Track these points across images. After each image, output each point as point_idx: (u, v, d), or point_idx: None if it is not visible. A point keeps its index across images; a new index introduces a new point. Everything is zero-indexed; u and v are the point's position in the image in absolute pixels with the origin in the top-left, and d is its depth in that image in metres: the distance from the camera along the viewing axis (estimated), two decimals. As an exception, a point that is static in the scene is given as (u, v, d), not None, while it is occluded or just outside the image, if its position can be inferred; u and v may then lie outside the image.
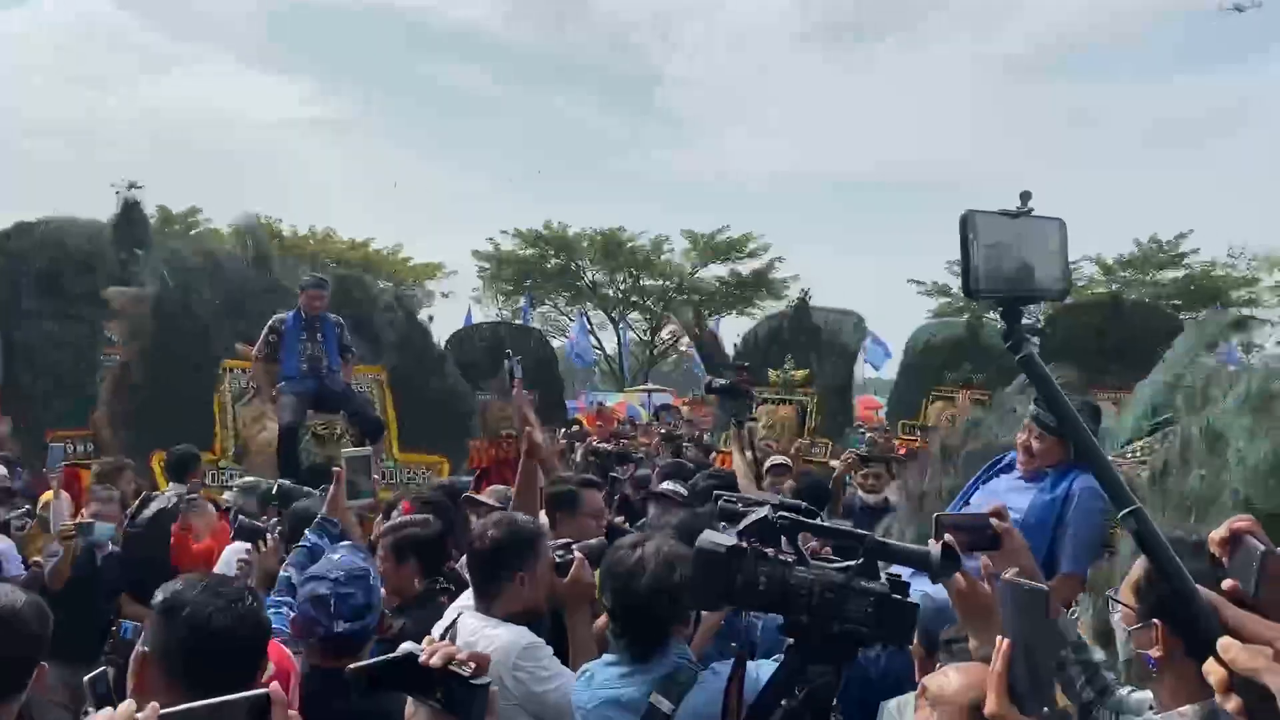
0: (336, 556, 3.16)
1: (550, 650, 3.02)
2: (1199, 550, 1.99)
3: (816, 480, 6.28)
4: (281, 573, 3.58)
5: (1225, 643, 1.16)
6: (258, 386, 8.33)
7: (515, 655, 2.92)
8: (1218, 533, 1.85)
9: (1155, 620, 2.04)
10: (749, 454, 5.80)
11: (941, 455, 5.64)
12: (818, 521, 1.87)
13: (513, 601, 3.15)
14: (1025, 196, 1.52)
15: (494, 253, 37.72)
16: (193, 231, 29.60)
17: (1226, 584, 1.82)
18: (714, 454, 10.76)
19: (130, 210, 11.75)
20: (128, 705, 1.31)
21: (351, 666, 1.64)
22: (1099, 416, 4.26)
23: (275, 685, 1.35)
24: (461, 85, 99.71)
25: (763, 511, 1.81)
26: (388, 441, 8.48)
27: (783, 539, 1.78)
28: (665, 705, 2.49)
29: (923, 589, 2.59)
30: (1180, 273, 32.44)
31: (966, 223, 1.46)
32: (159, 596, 2.08)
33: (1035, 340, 1.51)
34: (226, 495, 6.95)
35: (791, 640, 1.73)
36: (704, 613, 3.14)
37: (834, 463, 12.48)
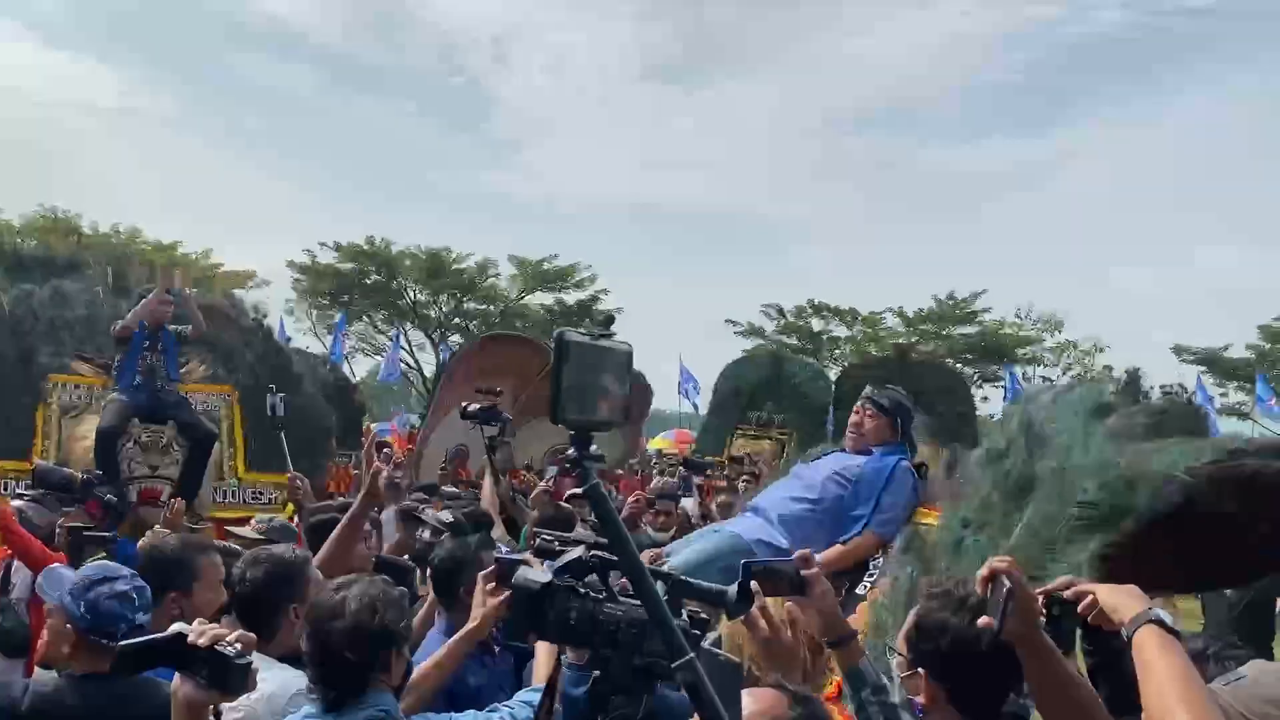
0: (73, 573, 3.04)
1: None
2: (963, 604, 2.16)
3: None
4: None
5: None
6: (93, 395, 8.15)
7: (285, 701, 2.70)
8: (981, 571, 2.01)
9: (920, 669, 2.19)
10: (499, 479, 5.74)
11: None
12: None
13: (289, 635, 2.95)
14: (608, 321, 1.54)
15: (311, 265, 36.27)
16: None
17: (981, 621, 1.99)
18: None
19: None
20: None
21: (122, 643, 1.79)
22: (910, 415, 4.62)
23: None
24: (285, 87, 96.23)
25: (578, 551, 1.91)
26: (233, 461, 8.32)
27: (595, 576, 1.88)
28: None
29: None
30: (973, 329, 34.45)
31: (560, 347, 1.44)
32: None
33: (597, 467, 1.50)
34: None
35: (597, 673, 1.81)
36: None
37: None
